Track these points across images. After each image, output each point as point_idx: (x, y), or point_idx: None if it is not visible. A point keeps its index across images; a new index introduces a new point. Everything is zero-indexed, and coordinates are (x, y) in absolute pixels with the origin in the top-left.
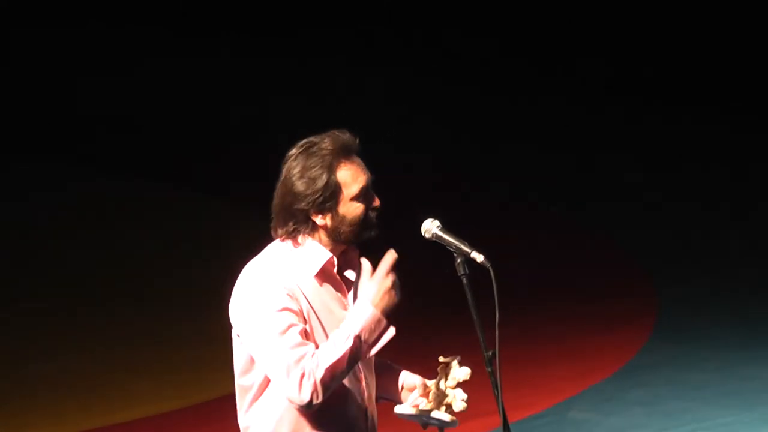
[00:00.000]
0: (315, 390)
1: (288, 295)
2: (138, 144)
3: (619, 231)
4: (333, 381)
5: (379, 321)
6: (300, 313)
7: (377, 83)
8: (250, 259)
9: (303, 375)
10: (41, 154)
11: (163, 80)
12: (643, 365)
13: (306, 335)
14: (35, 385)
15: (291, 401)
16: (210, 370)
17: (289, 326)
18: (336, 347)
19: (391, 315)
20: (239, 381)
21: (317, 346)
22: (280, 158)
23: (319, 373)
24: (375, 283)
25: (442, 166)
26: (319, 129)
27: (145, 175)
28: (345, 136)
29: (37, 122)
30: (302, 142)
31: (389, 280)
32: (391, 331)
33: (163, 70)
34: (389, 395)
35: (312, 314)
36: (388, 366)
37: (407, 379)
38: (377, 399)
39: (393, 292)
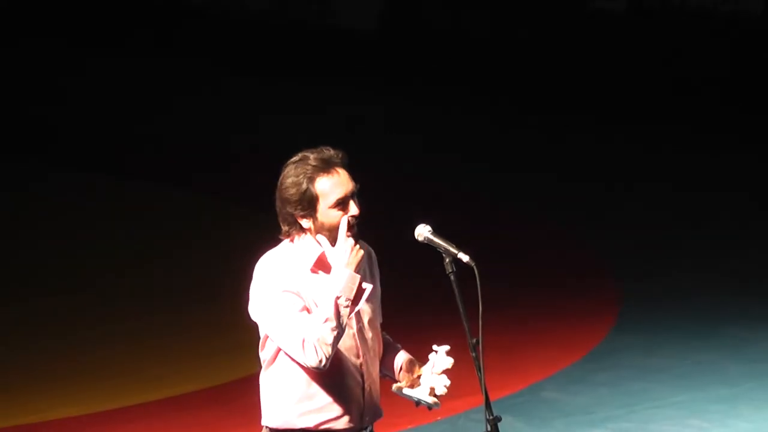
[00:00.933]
0: (316, 351)
1: (292, 284)
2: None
3: (585, 232)
4: (331, 339)
5: (353, 278)
6: (299, 295)
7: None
8: (257, 255)
9: (304, 341)
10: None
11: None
12: (606, 351)
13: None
14: (66, 370)
15: (306, 366)
16: (224, 355)
17: (291, 306)
18: (323, 310)
19: (361, 268)
20: (260, 354)
21: None
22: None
23: (316, 336)
24: (339, 248)
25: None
26: None
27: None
28: (330, 151)
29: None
30: (299, 154)
31: (350, 240)
32: (369, 287)
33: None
34: (390, 373)
35: (310, 302)
36: (393, 347)
37: (404, 361)
38: (382, 375)
39: (357, 248)
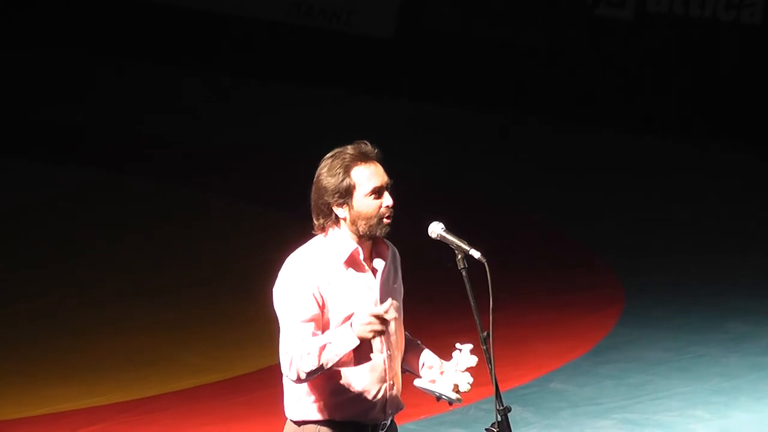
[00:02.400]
0: (298, 374)
1: (314, 283)
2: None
3: (588, 232)
4: (307, 370)
5: (352, 343)
6: (322, 300)
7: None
8: (286, 253)
9: (291, 361)
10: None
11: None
12: (612, 345)
13: (318, 324)
14: (102, 358)
15: (290, 379)
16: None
17: (301, 313)
18: (314, 345)
19: (362, 339)
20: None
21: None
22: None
23: (299, 363)
24: (364, 314)
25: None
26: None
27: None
28: (366, 146)
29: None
30: (334, 150)
31: (372, 321)
32: (355, 343)
33: None
34: (412, 369)
35: (339, 298)
36: (416, 344)
37: (428, 358)
38: (403, 371)
39: (368, 330)
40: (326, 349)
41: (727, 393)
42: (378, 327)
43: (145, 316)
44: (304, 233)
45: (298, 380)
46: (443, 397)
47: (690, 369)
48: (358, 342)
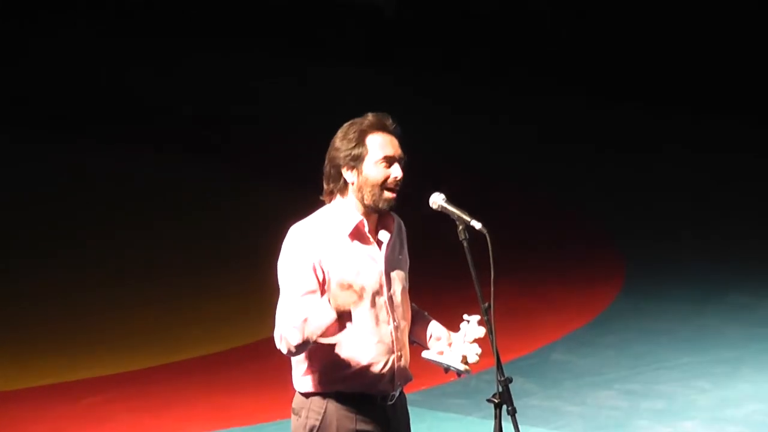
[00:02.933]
0: (288, 348)
1: (319, 255)
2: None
3: (591, 206)
4: (295, 343)
5: (328, 316)
6: (325, 273)
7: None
8: (289, 225)
9: (281, 335)
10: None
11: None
12: (613, 316)
13: (317, 297)
14: (103, 330)
15: (281, 351)
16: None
17: (300, 287)
18: (298, 321)
19: (340, 311)
20: None
21: None
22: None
23: (288, 336)
24: (335, 287)
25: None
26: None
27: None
28: (387, 118)
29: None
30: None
31: (343, 293)
32: (332, 316)
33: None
34: (419, 340)
35: (343, 269)
36: (423, 316)
37: (435, 330)
38: (411, 342)
39: (341, 301)
40: (307, 322)
41: (728, 363)
42: (350, 297)
43: (146, 289)
44: (310, 207)
45: (289, 353)
46: (451, 368)
47: (691, 340)
48: (335, 315)
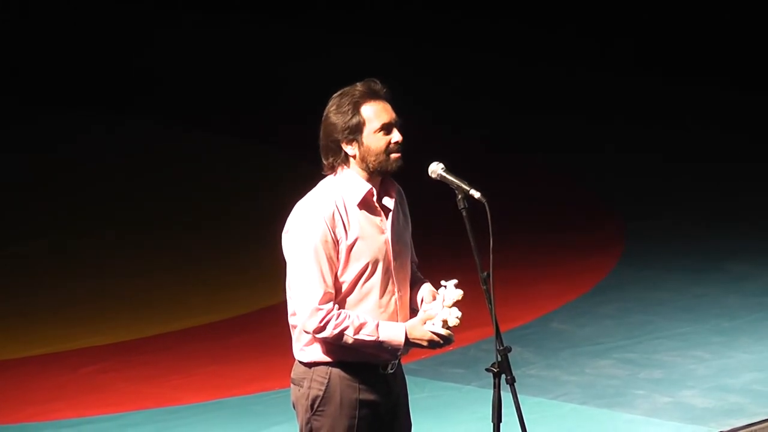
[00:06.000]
0: (327, 336)
1: (330, 227)
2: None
3: (590, 175)
4: (341, 343)
5: (398, 345)
6: (337, 245)
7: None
8: (298, 195)
9: (327, 321)
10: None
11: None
12: (611, 285)
13: (335, 271)
14: (102, 299)
15: (303, 328)
16: (253, 288)
17: (320, 263)
18: (365, 330)
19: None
20: (289, 293)
21: (357, 271)
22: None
23: (338, 330)
24: (424, 330)
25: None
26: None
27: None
28: (375, 84)
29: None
30: (342, 89)
31: (430, 338)
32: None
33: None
34: (414, 306)
35: (353, 240)
36: (420, 279)
37: (426, 293)
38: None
39: (424, 343)
40: (380, 331)
41: (727, 333)
42: (431, 341)
43: (146, 257)
44: (313, 175)
45: (317, 331)
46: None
47: (690, 309)
48: (403, 341)
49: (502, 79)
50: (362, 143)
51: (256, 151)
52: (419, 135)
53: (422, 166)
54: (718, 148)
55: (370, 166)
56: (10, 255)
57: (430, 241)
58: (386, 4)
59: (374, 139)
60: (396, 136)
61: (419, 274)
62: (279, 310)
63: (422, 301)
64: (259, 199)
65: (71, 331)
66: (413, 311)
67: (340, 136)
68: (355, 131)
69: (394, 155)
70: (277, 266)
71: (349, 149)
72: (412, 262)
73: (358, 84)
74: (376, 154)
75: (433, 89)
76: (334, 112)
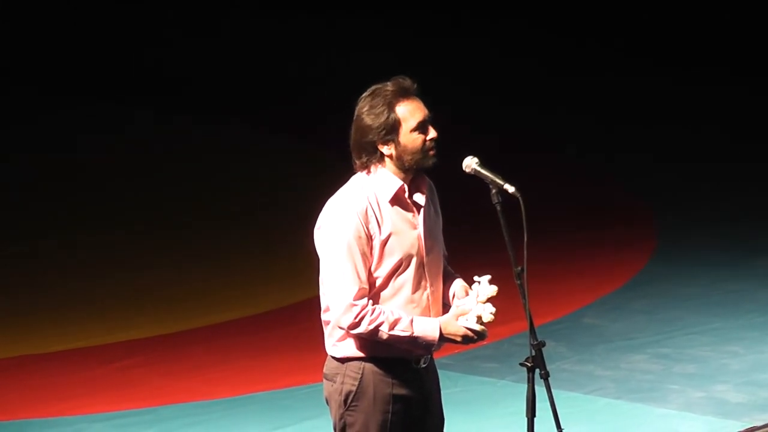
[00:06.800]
0: (362, 332)
1: (363, 223)
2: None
3: (623, 172)
4: (375, 338)
5: (432, 341)
6: (370, 240)
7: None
8: (332, 191)
9: (362, 317)
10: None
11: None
12: (643, 281)
13: (369, 266)
14: (136, 292)
15: (338, 324)
16: (285, 282)
17: (355, 260)
18: (399, 326)
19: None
20: (322, 289)
21: (390, 267)
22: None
23: (373, 326)
24: (458, 326)
25: (463, 118)
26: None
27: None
28: (405, 80)
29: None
30: (371, 87)
31: (464, 333)
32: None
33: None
34: (447, 300)
35: (386, 235)
36: (451, 274)
37: (458, 289)
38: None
39: (458, 339)
40: (414, 327)
41: (760, 328)
42: (465, 336)
43: (179, 249)
44: (344, 170)
45: (352, 327)
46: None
47: (723, 304)
48: (437, 337)
49: (533, 79)
50: (399, 143)
51: (289, 146)
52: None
53: (456, 162)
54: (750, 145)
55: (406, 164)
56: (42, 248)
57: (464, 236)
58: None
59: (411, 138)
60: (431, 132)
61: (450, 268)
62: (310, 306)
63: (454, 296)
64: (291, 194)
65: (103, 324)
66: (445, 306)
67: (375, 137)
68: (392, 131)
69: (430, 152)
70: (308, 261)
71: (385, 149)
72: (443, 257)
73: (388, 83)
74: (413, 153)
75: (458, 89)
76: (367, 113)
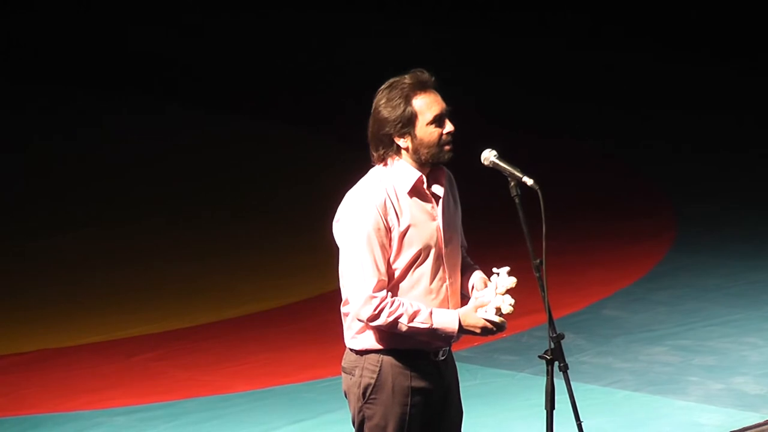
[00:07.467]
0: (381, 324)
1: (382, 215)
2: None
3: (643, 161)
4: (395, 330)
5: (452, 333)
6: (390, 232)
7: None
8: (350, 183)
9: (382, 309)
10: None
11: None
12: (664, 272)
13: (388, 258)
14: (154, 286)
15: (357, 316)
16: (305, 275)
17: (374, 252)
18: (419, 318)
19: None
20: (342, 281)
21: (409, 258)
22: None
23: (392, 318)
24: (477, 317)
25: (489, 108)
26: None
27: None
28: (423, 74)
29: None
30: (389, 80)
31: (483, 325)
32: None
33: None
34: (465, 292)
35: (405, 227)
36: (470, 266)
37: (477, 280)
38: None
39: (477, 330)
40: (434, 319)
41: None
42: (484, 328)
43: (196, 243)
44: (361, 163)
45: (371, 319)
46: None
47: (743, 296)
48: (456, 329)
49: (551, 66)
50: (415, 136)
51: (307, 138)
52: (469, 123)
53: (475, 153)
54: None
55: (423, 157)
56: (62, 241)
57: (483, 228)
58: None
59: (427, 132)
60: (448, 126)
61: (469, 259)
62: (329, 299)
63: (473, 287)
64: (309, 186)
65: (123, 317)
66: (464, 297)
67: (392, 130)
68: (408, 124)
69: (446, 146)
70: (328, 254)
71: (402, 142)
72: (461, 248)
73: (405, 76)
74: (429, 146)
75: (482, 78)
76: (384, 105)
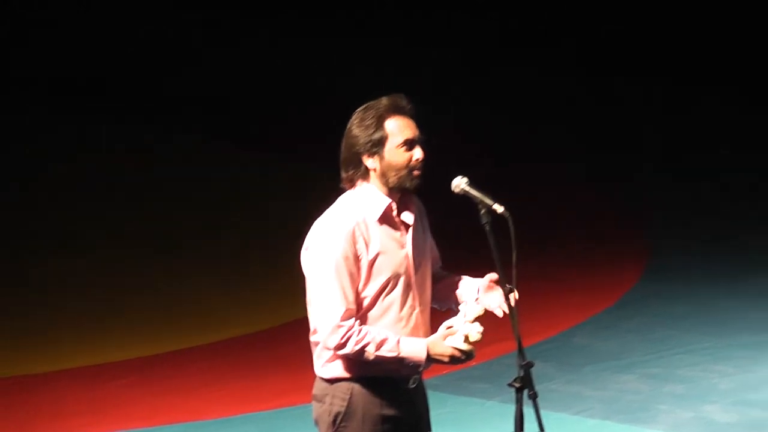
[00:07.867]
0: (348, 353)
1: (351, 244)
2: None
3: (614, 185)
4: (362, 359)
5: (419, 361)
6: (358, 260)
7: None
8: (322, 208)
9: (349, 337)
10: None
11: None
12: (635, 300)
13: (357, 287)
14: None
15: (324, 345)
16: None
17: (341, 281)
18: (386, 346)
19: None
20: (310, 309)
21: (378, 287)
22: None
23: (359, 346)
24: (445, 346)
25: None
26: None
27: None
28: (401, 99)
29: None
30: (368, 102)
31: (451, 353)
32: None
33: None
34: (446, 299)
35: (374, 255)
36: (447, 275)
37: (464, 290)
38: (446, 307)
39: (446, 359)
40: (401, 347)
41: (751, 348)
42: (452, 356)
43: (166, 270)
44: (335, 189)
45: (338, 348)
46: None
47: (714, 324)
48: (425, 358)
49: (522, 90)
50: (383, 157)
51: (278, 164)
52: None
53: (447, 180)
54: (741, 163)
55: (390, 181)
56: (40, 267)
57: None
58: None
59: (396, 154)
60: (418, 153)
61: (444, 272)
62: (300, 325)
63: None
64: (278, 213)
65: (95, 345)
66: (450, 309)
67: (361, 149)
68: (378, 144)
69: (414, 172)
70: (298, 282)
71: (370, 162)
72: (434, 264)
73: (383, 98)
74: (397, 170)
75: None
76: (357, 125)
